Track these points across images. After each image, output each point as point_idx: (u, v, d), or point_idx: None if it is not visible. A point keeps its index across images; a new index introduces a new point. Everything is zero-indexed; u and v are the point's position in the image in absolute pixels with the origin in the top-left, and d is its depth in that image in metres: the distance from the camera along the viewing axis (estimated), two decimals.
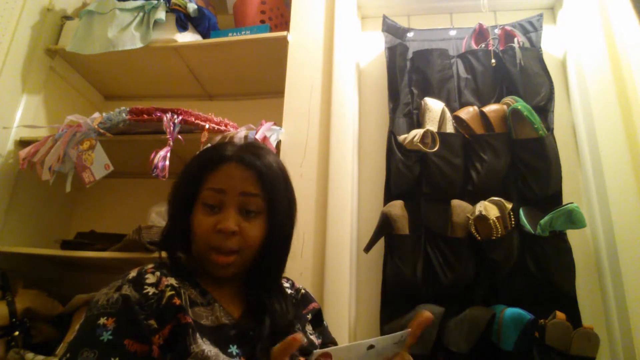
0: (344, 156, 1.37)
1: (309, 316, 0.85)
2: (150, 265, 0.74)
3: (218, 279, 0.77)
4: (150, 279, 0.69)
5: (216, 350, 0.64)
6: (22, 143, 1.46)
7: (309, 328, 0.83)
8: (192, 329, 0.64)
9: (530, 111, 1.27)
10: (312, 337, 0.80)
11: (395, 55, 1.47)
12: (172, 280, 0.71)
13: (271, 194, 0.75)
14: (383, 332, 1.21)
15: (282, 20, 1.68)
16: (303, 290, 0.90)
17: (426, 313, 0.70)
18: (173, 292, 0.68)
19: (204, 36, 1.63)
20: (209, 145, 0.84)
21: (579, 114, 1.40)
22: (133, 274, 0.70)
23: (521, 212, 1.25)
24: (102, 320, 0.62)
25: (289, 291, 0.86)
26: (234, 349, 0.67)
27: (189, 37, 1.57)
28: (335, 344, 0.89)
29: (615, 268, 1.19)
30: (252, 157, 0.76)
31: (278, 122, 1.38)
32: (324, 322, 0.90)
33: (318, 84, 1.44)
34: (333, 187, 1.33)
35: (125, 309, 0.63)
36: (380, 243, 1.30)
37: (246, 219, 0.74)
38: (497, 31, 1.47)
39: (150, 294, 0.66)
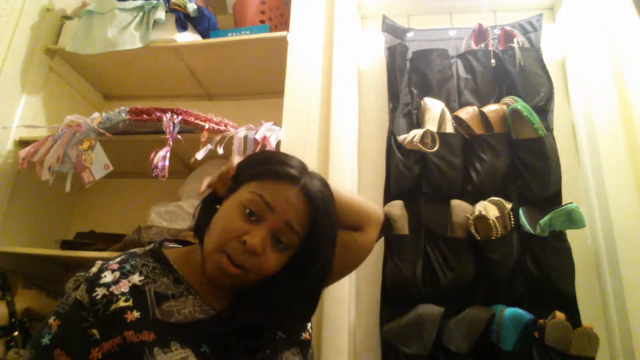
0: (344, 156, 1.37)
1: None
2: (117, 259, 0.70)
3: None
4: (107, 277, 0.65)
5: (184, 355, 0.61)
6: (22, 143, 1.46)
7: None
8: (148, 348, 0.60)
9: (530, 111, 1.27)
10: None
11: (395, 55, 1.47)
12: (135, 279, 0.66)
13: (315, 240, 0.67)
14: (383, 332, 1.21)
15: (282, 20, 1.68)
16: None
17: None
18: (129, 303, 0.63)
19: (204, 36, 1.63)
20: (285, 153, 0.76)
21: (578, 114, 1.40)
22: (94, 269, 0.67)
23: (521, 212, 1.25)
24: (51, 319, 0.63)
25: None
26: (206, 349, 0.63)
27: (188, 37, 1.56)
28: None
29: (615, 268, 1.19)
30: (317, 194, 0.68)
31: (278, 122, 1.38)
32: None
33: (318, 84, 1.43)
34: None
35: (71, 313, 0.63)
36: (380, 243, 1.30)
37: (271, 246, 0.66)
38: (496, 31, 1.47)
39: (98, 297, 0.63)
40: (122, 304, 0.63)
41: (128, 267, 0.68)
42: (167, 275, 0.70)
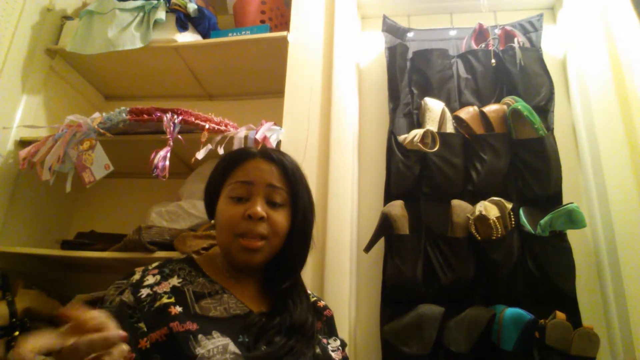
0: (344, 156, 1.37)
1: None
2: (155, 265, 0.77)
3: (236, 277, 0.79)
4: (149, 280, 0.73)
5: (225, 342, 0.66)
6: (22, 143, 1.46)
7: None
8: (192, 335, 0.65)
9: (530, 111, 1.27)
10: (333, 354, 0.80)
11: (395, 55, 1.47)
12: (174, 281, 0.73)
13: (294, 188, 0.81)
14: (383, 332, 1.21)
15: (282, 21, 1.68)
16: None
17: None
18: (171, 300, 0.69)
19: (204, 36, 1.63)
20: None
21: (579, 114, 1.40)
22: (137, 276, 0.74)
23: (521, 212, 1.25)
24: None
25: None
26: (244, 339, 0.69)
27: (189, 37, 1.56)
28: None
29: (615, 268, 1.19)
30: (276, 154, 0.83)
31: (278, 122, 1.38)
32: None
33: (318, 84, 1.44)
34: (333, 187, 1.33)
35: (118, 312, 0.66)
36: (380, 243, 1.30)
37: (272, 209, 0.78)
38: (497, 31, 1.47)
39: (143, 296, 0.70)
40: (165, 300, 0.69)
41: (167, 270, 0.76)
42: (202, 276, 0.77)
